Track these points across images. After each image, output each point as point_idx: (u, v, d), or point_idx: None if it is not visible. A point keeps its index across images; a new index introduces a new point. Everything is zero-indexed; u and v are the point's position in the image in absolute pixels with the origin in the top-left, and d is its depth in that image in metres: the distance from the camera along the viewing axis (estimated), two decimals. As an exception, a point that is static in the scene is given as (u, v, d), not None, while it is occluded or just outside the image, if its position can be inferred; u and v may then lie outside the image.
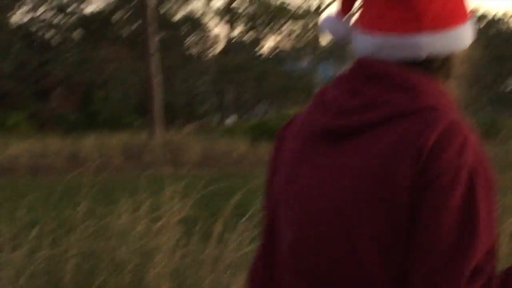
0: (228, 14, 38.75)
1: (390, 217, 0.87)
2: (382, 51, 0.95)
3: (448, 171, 0.85)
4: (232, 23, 40.15)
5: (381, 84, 0.93)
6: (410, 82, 0.92)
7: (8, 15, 32.52)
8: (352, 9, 1.03)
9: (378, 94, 0.92)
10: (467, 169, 0.86)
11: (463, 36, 0.98)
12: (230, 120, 36.40)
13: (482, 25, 38.11)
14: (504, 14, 41.30)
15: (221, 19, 40.94)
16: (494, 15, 40.83)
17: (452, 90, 1.00)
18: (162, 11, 32.74)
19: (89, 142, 16.11)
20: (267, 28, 39.40)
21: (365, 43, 0.98)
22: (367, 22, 0.98)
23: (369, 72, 0.95)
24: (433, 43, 0.94)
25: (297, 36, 39.64)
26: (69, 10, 34.19)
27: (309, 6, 33.87)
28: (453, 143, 0.87)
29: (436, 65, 0.96)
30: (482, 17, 38.98)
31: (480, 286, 0.83)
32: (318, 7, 27.40)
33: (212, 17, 40.42)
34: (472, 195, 0.85)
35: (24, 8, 33.31)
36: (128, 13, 36.90)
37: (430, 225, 0.85)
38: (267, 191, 1.09)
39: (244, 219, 3.80)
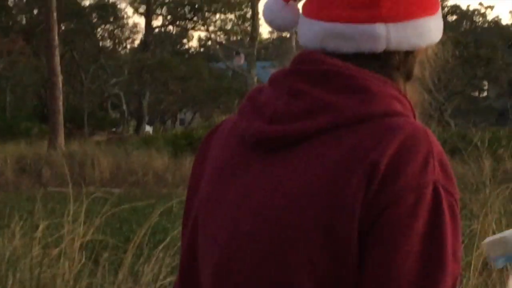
0: (149, -1, 37.91)
1: (332, 248, 0.81)
2: (330, 42, 0.89)
3: (410, 192, 0.79)
4: (153, 11, 39.53)
5: (327, 84, 0.86)
6: (362, 82, 0.86)
7: None
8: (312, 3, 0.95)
9: (323, 97, 0.85)
10: (432, 189, 0.80)
11: (430, 29, 0.93)
12: (148, 129, 35.78)
13: (453, 19, 39.16)
14: (480, 4, 41.09)
15: (139, 6, 40.16)
16: (468, 6, 41.24)
17: (413, 95, 0.94)
18: (67, -4, 31.84)
19: (-26, 154, 15.44)
20: (196, 18, 39.81)
21: (311, 32, 0.92)
22: (315, 7, 0.93)
23: (313, 69, 0.88)
24: (392, 34, 0.89)
25: (231, 28, 40.49)
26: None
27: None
28: (415, 156, 0.80)
29: (395, 62, 0.91)
30: (454, 8, 39.26)
31: None
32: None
33: (129, 3, 39.43)
34: (438, 220, 0.80)
35: None
36: (27, -3, 35.73)
37: (388, 259, 0.79)
38: (186, 213, 1.03)
39: (161, 246, 3.76)
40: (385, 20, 0.88)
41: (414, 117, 0.90)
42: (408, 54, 0.92)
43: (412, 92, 0.94)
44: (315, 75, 0.87)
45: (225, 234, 0.90)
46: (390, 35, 0.88)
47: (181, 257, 1.03)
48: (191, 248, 0.99)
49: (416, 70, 0.95)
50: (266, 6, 0.99)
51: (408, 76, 0.93)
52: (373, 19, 0.88)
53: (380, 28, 0.88)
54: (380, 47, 0.88)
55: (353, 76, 0.86)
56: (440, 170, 0.81)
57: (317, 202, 0.82)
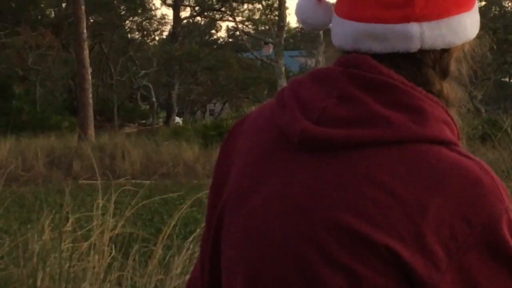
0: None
1: (372, 276, 0.79)
2: (364, 43, 0.89)
3: (479, 238, 0.80)
4: (181, 2, 39.90)
5: (382, 96, 0.84)
6: (417, 102, 0.84)
7: None
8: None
9: (376, 108, 0.83)
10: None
11: (466, 26, 0.92)
12: (178, 120, 36.15)
13: (482, 4, 37.37)
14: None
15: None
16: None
17: (451, 93, 0.93)
18: (95, -12, 32.21)
19: (6, 146, 15.73)
20: (224, 8, 39.93)
21: (344, 32, 0.92)
22: (347, 7, 0.92)
23: (368, 76, 0.86)
24: (426, 33, 0.87)
25: (259, 18, 40.03)
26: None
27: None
28: (479, 192, 0.81)
29: (430, 61, 0.90)
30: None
31: None
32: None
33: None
34: None
35: None
36: (54, -10, 36.26)
37: None
38: (210, 209, 0.99)
39: (192, 237, 3.77)
40: (418, 19, 0.86)
41: (459, 138, 0.88)
42: (444, 52, 0.90)
43: (449, 90, 0.92)
44: (370, 84, 0.85)
45: (251, 247, 0.87)
46: (424, 34, 0.87)
47: (203, 254, 1.00)
48: (210, 247, 0.97)
49: (453, 68, 0.92)
50: (299, 5, 0.98)
51: (444, 75, 0.91)
52: (406, 19, 0.86)
53: (414, 28, 0.86)
54: (414, 46, 0.86)
55: (409, 93, 0.84)
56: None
57: (364, 220, 0.80)
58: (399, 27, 0.86)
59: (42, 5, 38.32)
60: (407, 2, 0.86)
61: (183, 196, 6.10)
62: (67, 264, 3.17)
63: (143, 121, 37.17)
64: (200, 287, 1.01)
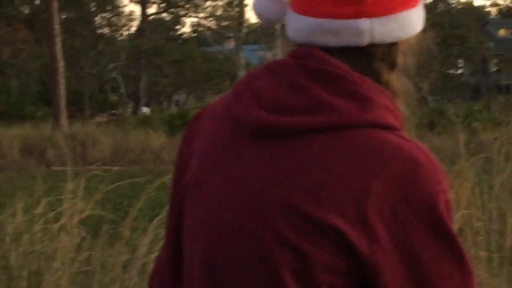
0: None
1: (317, 252, 0.79)
2: (318, 37, 0.88)
3: (417, 213, 0.80)
4: (148, -1, 39.54)
5: (330, 86, 0.84)
6: (363, 91, 0.85)
7: None
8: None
9: (324, 97, 0.83)
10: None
11: (412, 21, 0.92)
12: (146, 110, 35.75)
13: (429, 1, 38.34)
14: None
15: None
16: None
17: (398, 84, 0.92)
18: (67, -14, 31.51)
19: (-18, 135, 15.30)
20: (188, 5, 39.76)
21: (299, 27, 0.91)
22: (303, 3, 0.91)
23: (318, 67, 0.86)
24: (376, 28, 0.87)
25: (221, 14, 40.82)
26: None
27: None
28: (416, 172, 0.81)
29: (379, 54, 0.89)
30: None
31: None
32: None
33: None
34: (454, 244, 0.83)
35: None
36: (28, -12, 35.25)
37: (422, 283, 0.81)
38: (173, 195, 0.99)
39: (157, 219, 3.76)
40: (369, 15, 0.86)
41: (403, 125, 0.88)
42: (392, 46, 0.90)
43: (396, 81, 0.91)
44: (319, 74, 0.85)
45: (214, 218, 0.86)
46: (374, 29, 0.87)
47: (168, 236, 0.99)
48: (173, 229, 0.96)
49: (400, 60, 0.92)
50: (255, 1, 0.96)
51: (392, 66, 0.91)
52: (358, 15, 0.86)
53: (364, 23, 0.86)
54: (365, 40, 0.86)
55: (355, 83, 0.84)
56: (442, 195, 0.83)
57: (311, 200, 0.80)
58: (351, 22, 0.86)
59: (16, 2, 37.28)
60: (360, 8, 0.86)
61: (150, 180, 6.07)
62: (39, 245, 3.14)
63: (113, 111, 36.59)
64: (165, 273, 0.99)
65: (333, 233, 0.77)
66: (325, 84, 0.83)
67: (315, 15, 0.88)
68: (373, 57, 0.88)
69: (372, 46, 0.87)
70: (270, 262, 0.81)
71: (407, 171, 0.80)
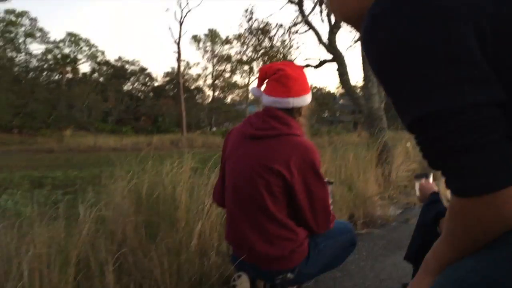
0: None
1: (273, 180, 2.11)
2: (274, 104, 2.21)
3: (312, 169, 2.13)
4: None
5: (275, 119, 2.17)
6: (288, 121, 2.16)
7: None
8: (263, 84, 2.29)
9: (274, 124, 2.16)
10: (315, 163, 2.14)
11: (308, 98, 2.25)
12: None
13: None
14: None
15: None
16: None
17: (303, 121, 2.25)
18: None
19: None
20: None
21: (267, 100, 2.22)
22: (268, 90, 2.22)
23: (270, 113, 2.20)
24: (295, 101, 2.19)
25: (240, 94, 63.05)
26: None
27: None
28: (309, 155, 2.14)
29: (295, 110, 2.21)
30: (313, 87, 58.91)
31: (332, 218, 2.27)
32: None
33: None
34: (321, 177, 2.17)
35: None
36: None
37: (317, 195, 2.15)
38: (222, 160, 2.42)
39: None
40: (292, 96, 2.20)
41: (304, 134, 2.21)
42: (300, 107, 2.23)
43: (303, 120, 2.24)
44: (273, 116, 2.19)
45: (236, 169, 2.25)
46: (294, 101, 2.20)
47: (220, 169, 2.45)
48: (222, 172, 2.42)
49: (303, 111, 2.24)
50: (252, 89, 2.36)
51: (300, 114, 2.24)
52: (288, 96, 2.20)
53: (290, 99, 2.21)
54: (290, 106, 2.21)
55: (286, 118, 2.18)
56: (317, 158, 2.17)
57: (270, 164, 2.11)
58: (285, 99, 2.20)
59: None
60: (288, 90, 2.18)
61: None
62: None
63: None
64: (219, 188, 2.44)
65: (278, 173, 2.12)
66: (275, 119, 2.18)
67: (273, 95, 2.22)
68: (293, 111, 2.22)
69: (293, 107, 2.21)
70: (256, 184, 2.16)
71: (303, 150, 2.13)
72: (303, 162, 2.09)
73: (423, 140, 0.90)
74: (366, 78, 8.21)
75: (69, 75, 54.56)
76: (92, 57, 56.66)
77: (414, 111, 0.88)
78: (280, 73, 2.19)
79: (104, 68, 58.45)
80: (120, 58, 60.65)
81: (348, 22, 1.15)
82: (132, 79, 60.88)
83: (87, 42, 55.94)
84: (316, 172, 2.11)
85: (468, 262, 0.90)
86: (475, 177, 0.83)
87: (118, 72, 57.85)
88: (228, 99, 68.38)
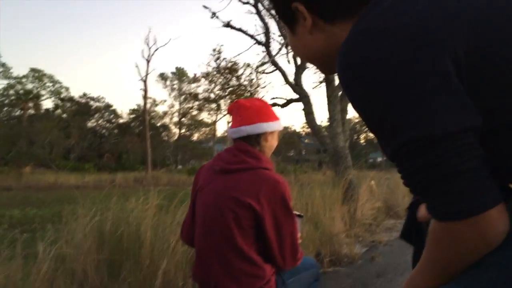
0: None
1: (243, 214, 2.09)
2: (233, 134, 2.29)
3: (282, 203, 2.12)
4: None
5: (245, 154, 2.22)
6: (257, 155, 2.22)
7: None
8: (231, 123, 2.35)
9: (243, 158, 2.20)
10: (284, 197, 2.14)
11: (264, 126, 2.27)
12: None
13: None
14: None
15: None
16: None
17: (269, 149, 2.31)
18: None
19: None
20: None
21: (231, 131, 2.31)
22: (232, 123, 2.32)
23: (240, 148, 2.25)
24: (247, 129, 2.25)
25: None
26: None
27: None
28: (279, 189, 2.13)
29: (254, 139, 2.27)
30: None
31: (300, 256, 2.24)
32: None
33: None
34: (290, 210, 2.15)
35: None
36: None
37: (285, 228, 2.14)
38: (192, 196, 2.40)
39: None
40: (245, 124, 2.26)
41: (272, 168, 2.24)
42: (258, 135, 2.28)
43: (269, 149, 2.33)
44: (242, 150, 2.23)
45: (206, 203, 2.22)
46: (247, 129, 2.25)
47: (189, 212, 2.41)
48: (192, 209, 2.38)
49: (266, 139, 2.30)
50: (227, 129, 2.53)
51: (260, 143, 2.31)
52: (241, 125, 2.27)
53: (243, 128, 2.26)
54: (245, 134, 2.26)
55: (255, 152, 2.22)
56: (286, 192, 2.17)
57: (240, 197, 2.10)
58: (239, 128, 2.26)
59: None
60: (241, 119, 2.26)
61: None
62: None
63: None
64: (187, 225, 2.39)
65: (248, 205, 2.08)
66: (243, 153, 2.22)
67: (231, 127, 2.31)
68: (251, 139, 2.26)
69: (248, 135, 2.25)
70: (226, 217, 2.11)
71: (273, 183, 2.12)
72: (273, 195, 2.09)
73: (405, 168, 0.89)
74: (331, 117, 8.34)
75: (31, 111, 53.68)
76: (56, 93, 56.05)
77: (394, 141, 0.88)
78: (236, 105, 2.30)
79: (68, 104, 57.86)
80: (84, 95, 59.86)
81: (312, 62, 1.15)
82: (96, 115, 60.43)
83: (51, 78, 55.41)
84: (285, 206, 2.12)
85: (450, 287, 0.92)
86: (459, 202, 0.84)
87: (82, 109, 57.42)
88: (195, 137, 68.66)
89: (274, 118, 2.32)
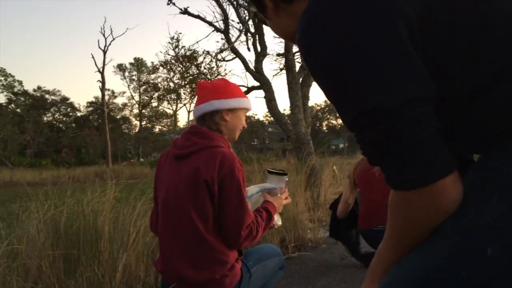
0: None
1: (200, 197, 2.07)
2: (194, 115, 2.28)
3: (228, 176, 2.07)
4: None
5: (196, 135, 2.20)
6: (210, 135, 2.18)
7: None
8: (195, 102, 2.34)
9: (196, 140, 2.17)
10: (236, 173, 2.09)
11: (216, 103, 2.25)
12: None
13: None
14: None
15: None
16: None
17: (228, 128, 2.28)
18: None
19: None
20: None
21: (193, 115, 2.31)
22: (196, 104, 2.30)
23: (192, 130, 2.24)
24: (200, 108, 2.26)
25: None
26: None
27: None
28: (226, 163, 2.08)
29: (209, 117, 2.26)
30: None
31: (248, 232, 2.11)
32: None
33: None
34: (240, 186, 2.09)
35: None
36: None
37: (228, 203, 2.07)
38: (155, 179, 2.37)
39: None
40: (199, 103, 2.27)
41: (227, 146, 2.22)
42: (213, 112, 2.26)
43: (227, 127, 2.30)
44: (193, 133, 2.22)
45: (165, 190, 2.21)
46: (202, 108, 2.25)
47: (154, 197, 2.38)
48: (155, 195, 2.36)
49: (222, 117, 2.28)
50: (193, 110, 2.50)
51: (216, 122, 2.30)
52: (198, 105, 2.28)
53: (200, 107, 2.27)
54: (200, 113, 2.29)
55: (205, 132, 2.20)
56: (236, 165, 2.11)
57: (194, 178, 2.08)
58: (196, 108, 2.27)
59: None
60: (198, 99, 2.29)
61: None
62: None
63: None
64: (154, 216, 2.33)
65: (203, 185, 2.07)
66: (197, 135, 2.21)
67: (197, 105, 2.29)
68: (205, 118, 2.26)
69: (204, 114, 2.24)
70: (185, 202, 2.10)
71: (223, 159, 2.08)
72: (223, 169, 2.05)
73: (362, 138, 0.91)
74: (292, 104, 8.34)
75: (-17, 107, 52.07)
76: (9, 87, 54.45)
77: (350, 112, 0.89)
78: (197, 87, 2.32)
79: (22, 98, 56.28)
80: (39, 88, 58.32)
81: (292, 42, 1.19)
82: (52, 109, 59.06)
83: (2, 71, 53.79)
84: (235, 181, 2.06)
85: (410, 257, 0.96)
86: (412, 172, 0.87)
87: (37, 103, 56.00)
88: (156, 129, 67.57)
89: (233, 95, 2.25)
